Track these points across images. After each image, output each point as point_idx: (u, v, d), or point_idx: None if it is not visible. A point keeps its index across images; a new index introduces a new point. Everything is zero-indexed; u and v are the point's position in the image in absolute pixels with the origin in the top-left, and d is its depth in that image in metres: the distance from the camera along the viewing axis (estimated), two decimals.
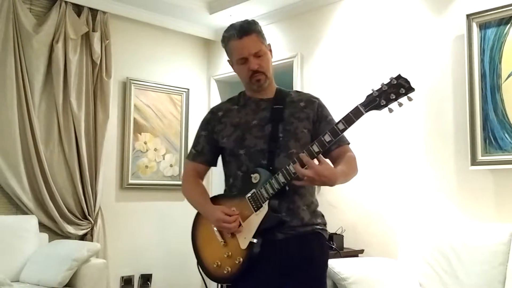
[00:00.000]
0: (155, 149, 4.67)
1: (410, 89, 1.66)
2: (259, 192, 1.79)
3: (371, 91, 1.71)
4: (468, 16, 3.10)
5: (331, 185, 1.72)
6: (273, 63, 1.99)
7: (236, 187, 1.90)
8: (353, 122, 1.70)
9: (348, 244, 3.56)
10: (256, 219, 1.79)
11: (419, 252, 2.99)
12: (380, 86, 1.70)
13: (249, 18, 1.97)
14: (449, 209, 3.19)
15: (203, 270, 1.92)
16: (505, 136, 2.94)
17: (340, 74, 3.91)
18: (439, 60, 3.32)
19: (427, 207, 3.29)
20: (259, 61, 1.88)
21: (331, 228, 3.57)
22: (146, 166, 4.61)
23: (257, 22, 1.92)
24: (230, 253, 1.83)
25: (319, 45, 4.10)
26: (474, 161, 3.03)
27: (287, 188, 1.78)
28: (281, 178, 1.75)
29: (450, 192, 3.19)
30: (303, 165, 1.69)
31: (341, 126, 1.71)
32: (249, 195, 1.82)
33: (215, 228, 1.88)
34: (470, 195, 3.10)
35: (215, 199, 1.95)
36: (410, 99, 1.69)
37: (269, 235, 1.80)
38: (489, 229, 2.80)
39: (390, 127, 3.53)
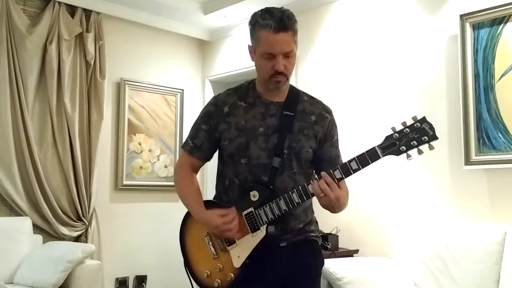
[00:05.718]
0: (150, 150, 4.66)
1: (433, 137, 1.57)
2: (257, 213, 1.72)
3: (392, 132, 1.61)
4: (461, 16, 3.11)
5: (332, 211, 1.71)
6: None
7: (233, 193, 1.82)
8: (368, 164, 1.62)
9: (343, 244, 3.57)
10: (252, 240, 1.73)
11: (413, 251, 3.00)
12: (402, 127, 1.60)
13: (283, 6, 1.73)
14: (443, 208, 3.20)
15: (191, 274, 1.87)
16: (499, 136, 2.96)
17: (334, 74, 3.92)
18: (432, 60, 3.33)
19: (422, 207, 3.30)
20: (286, 62, 1.73)
21: (326, 228, 3.58)
22: (141, 167, 4.59)
23: (295, 18, 1.74)
24: (221, 267, 1.78)
25: (314, 46, 4.11)
26: (468, 161, 3.05)
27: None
28: (283, 205, 1.68)
29: (444, 192, 3.21)
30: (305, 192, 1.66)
31: (354, 166, 1.63)
32: (245, 213, 1.74)
33: (206, 239, 1.82)
34: (464, 194, 3.11)
35: (208, 205, 1.85)
36: (431, 147, 1.58)
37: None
38: (483, 228, 2.81)
39: (384, 127, 3.53)
